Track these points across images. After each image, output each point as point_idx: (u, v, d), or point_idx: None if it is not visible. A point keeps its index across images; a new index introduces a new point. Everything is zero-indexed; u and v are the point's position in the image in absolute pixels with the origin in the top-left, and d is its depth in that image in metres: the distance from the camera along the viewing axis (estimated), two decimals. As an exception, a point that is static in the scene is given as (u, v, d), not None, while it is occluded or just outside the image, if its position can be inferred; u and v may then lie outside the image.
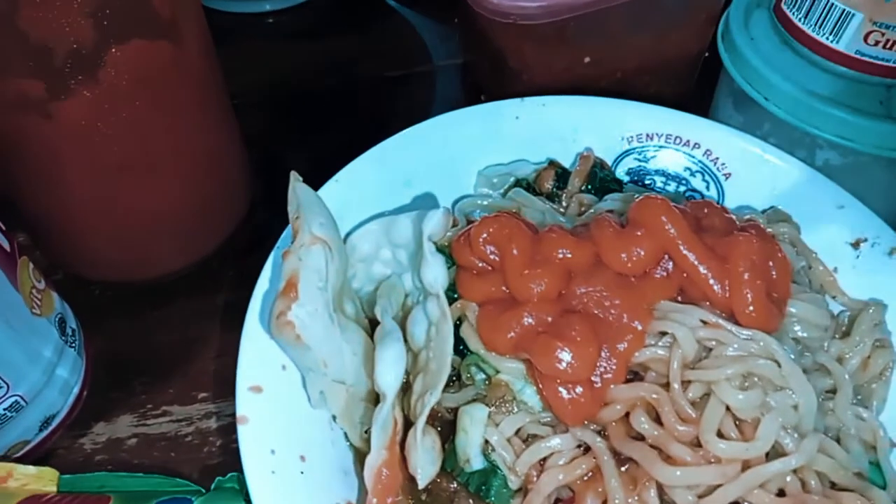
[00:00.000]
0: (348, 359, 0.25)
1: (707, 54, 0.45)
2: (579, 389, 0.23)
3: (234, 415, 0.35)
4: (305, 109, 0.51)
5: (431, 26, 0.57)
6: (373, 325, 0.29)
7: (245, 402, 0.24)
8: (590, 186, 0.32)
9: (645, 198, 0.26)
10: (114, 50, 0.29)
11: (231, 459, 0.33)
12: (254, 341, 0.26)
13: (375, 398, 0.26)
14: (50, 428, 0.33)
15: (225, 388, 0.36)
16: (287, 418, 0.25)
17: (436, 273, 0.25)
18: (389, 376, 0.23)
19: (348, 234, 0.29)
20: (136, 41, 0.30)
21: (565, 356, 0.22)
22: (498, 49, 0.44)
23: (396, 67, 0.53)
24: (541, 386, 0.23)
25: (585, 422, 0.24)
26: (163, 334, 0.38)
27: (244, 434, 0.23)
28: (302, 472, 0.23)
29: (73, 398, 0.34)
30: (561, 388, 0.23)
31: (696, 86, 0.47)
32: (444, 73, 0.53)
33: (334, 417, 0.25)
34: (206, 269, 0.40)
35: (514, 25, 0.39)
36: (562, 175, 0.32)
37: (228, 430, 0.34)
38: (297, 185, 0.27)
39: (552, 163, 0.33)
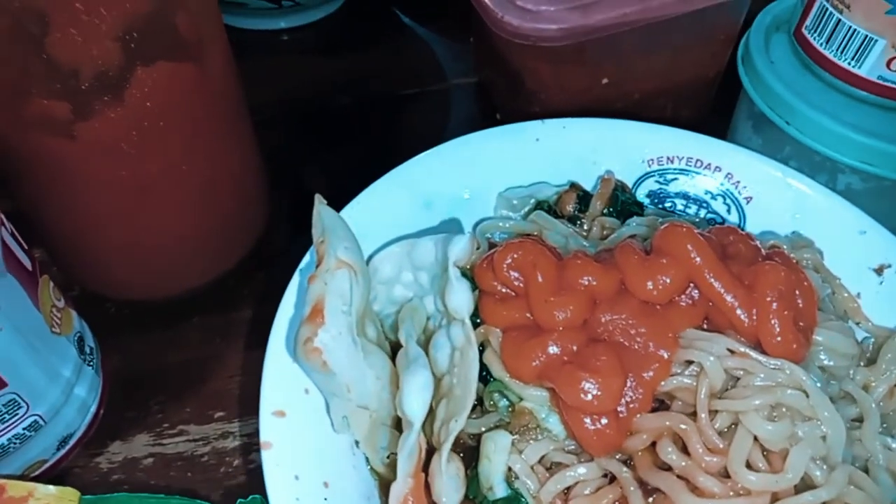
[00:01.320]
0: (371, 383, 0.25)
1: (723, 74, 0.46)
2: (604, 421, 0.23)
3: (250, 434, 0.35)
4: (320, 126, 0.51)
5: (446, 44, 0.58)
6: (393, 347, 0.29)
7: (268, 427, 0.24)
8: (612, 209, 0.32)
9: (670, 225, 0.25)
10: (139, 72, 0.29)
11: (249, 480, 0.33)
12: (277, 365, 0.25)
13: (397, 422, 0.26)
14: (67, 447, 0.33)
15: (241, 407, 0.36)
16: (310, 443, 0.24)
17: (461, 299, 0.25)
18: (416, 404, 0.23)
19: (370, 257, 0.29)
20: (162, 63, 0.30)
21: (590, 388, 0.22)
22: (515, 69, 0.44)
23: (411, 85, 0.54)
24: (565, 415, 0.23)
25: (612, 451, 0.23)
26: (178, 352, 0.38)
27: (268, 460, 0.23)
28: (326, 499, 0.23)
29: (91, 417, 0.34)
30: (586, 419, 0.23)
31: (713, 106, 0.47)
32: (458, 92, 0.54)
33: (357, 443, 0.25)
34: (221, 286, 0.40)
35: (532, 46, 0.39)
36: (583, 197, 0.32)
37: (245, 450, 0.34)
38: (321, 209, 0.27)
39: (573, 185, 0.33)
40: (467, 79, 0.54)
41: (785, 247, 0.29)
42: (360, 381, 0.24)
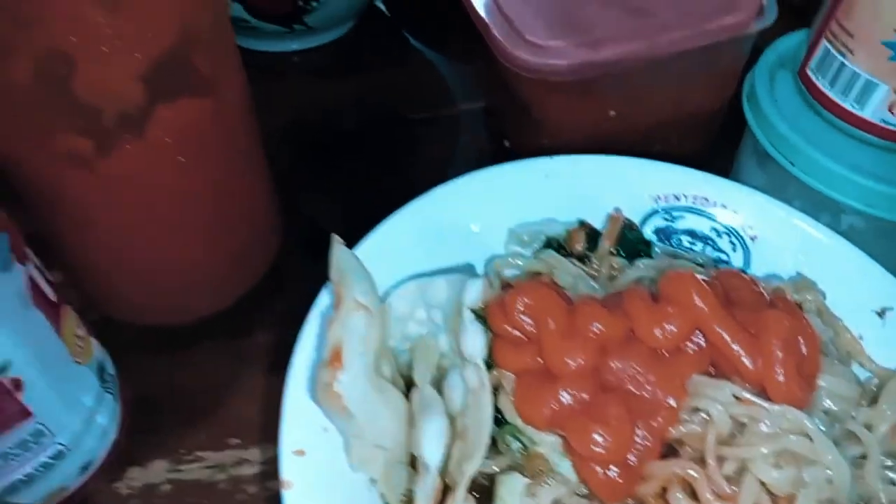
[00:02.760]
0: (387, 423, 0.26)
1: (728, 106, 0.46)
2: (615, 469, 0.23)
3: (265, 462, 0.36)
4: (330, 149, 0.52)
5: (455, 68, 0.59)
6: (407, 382, 0.30)
7: (289, 466, 0.25)
8: (620, 248, 0.32)
9: (675, 274, 0.26)
10: (160, 109, 0.30)
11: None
12: (295, 404, 0.26)
13: (412, 459, 0.27)
14: (87, 473, 0.34)
15: (255, 434, 0.37)
16: (329, 482, 0.25)
17: (475, 343, 0.26)
18: (433, 449, 0.24)
19: (385, 294, 0.30)
20: (181, 100, 0.31)
21: (601, 439, 0.23)
22: (523, 100, 0.45)
23: (420, 109, 0.54)
24: (577, 463, 0.24)
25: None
26: (192, 378, 0.39)
27: (289, 500, 0.24)
28: (344, 537, 0.24)
29: (110, 443, 0.35)
30: (597, 467, 0.23)
31: (717, 136, 0.48)
32: (466, 117, 0.54)
33: (373, 480, 0.26)
34: (234, 312, 0.41)
35: (541, 79, 0.40)
36: (592, 236, 0.33)
37: (260, 478, 0.35)
38: (338, 250, 0.28)
39: (583, 224, 0.34)
40: (475, 104, 0.55)
41: (789, 290, 0.30)
42: (377, 420, 0.25)
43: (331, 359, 0.24)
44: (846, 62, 0.34)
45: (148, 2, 0.27)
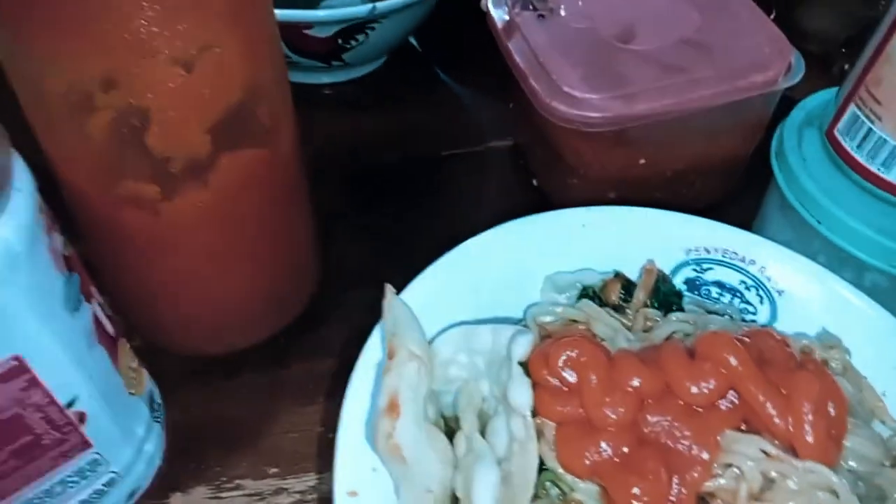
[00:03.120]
0: (435, 467, 0.27)
1: (752, 154, 0.48)
2: (653, 521, 0.25)
3: (302, 492, 0.37)
4: (356, 183, 0.53)
5: (484, 105, 0.60)
6: (446, 422, 0.31)
7: (343, 507, 0.26)
8: (654, 300, 0.34)
9: (713, 334, 0.28)
10: (223, 158, 0.32)
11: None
12: (348, 446, 0.28)
13: (455, 500, 0.28)
14: (134, 499, 0.35)
15: (293, 464, 0.38)
16: (380, 522, 0.27)
17: (523, 396, 0.27)
18: (485, 499, 0.25)
19: (431, 340, 0.32)
20: (243, 150, 0.33)
21: (639, 492, 0.25)
22: (555, 145, 0.47)
23: (449, 145, 0.56)
24: (615, 511, 0.25)
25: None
26: (233, 407, 0.41)
27: (345, 540, 0.25)
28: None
29: (156, 470, 0.36)
30: (635, 518, 0.25)
31: (739, 182, 0.50)
32: (494, 154, 0.56)
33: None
34: (274, 343, 0.43)
35: (575, 129, 0.42)
36: (627, 287, 0.35)
37: (299, 507, 0.37)
38: (392, 300, 0.29)
39: (618, 275, 0.35)
40: (503, 141, 0.56)
41: (816, 349, 0.31)
42: (426, 465, 0.27)
43: (388, 408, 0.26)
44: (874, 128, 0.35)
45: (221, 63, 0.29)
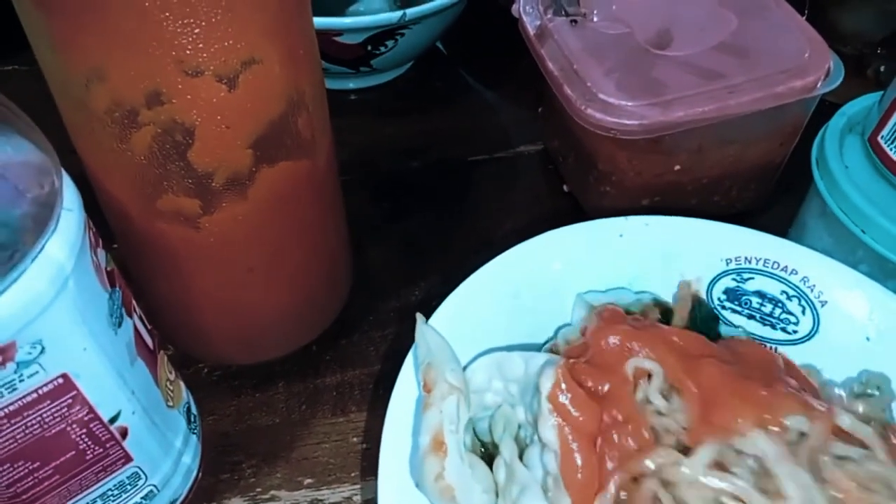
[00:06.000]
0: (478, 497, 0.27)
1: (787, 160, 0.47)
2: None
3: (337, 503, 0.37)
4: (382, 188, 0.53)
5: (511, 109, 0.60)
6: (483, 447, 0.31)
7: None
8: (692, 327, 0.33)
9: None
10: (263, 172, 0.32)
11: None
12: (389, 484, 0.27)
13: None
14: (172, 511, 0.35)
15: (328, 475, 0.38)
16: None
17: (552, 432, 0.27)
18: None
19: (464, 367, 0.31)
20: (283, 163, 0.33)
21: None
22: (589, 151, 0.46)
23: (476, 150, 0.56)
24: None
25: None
26: (265, 417, 0.41)
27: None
28: None
29: (192, 481, 0.36)
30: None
31: (773, 190, 0.49)
32: (523, 159, 0.56)
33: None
34: (305, 352, 0.43)
35: (610, 136, 0.41)
36: (664, 312, 0.34)
37: (334, 519, 0.36)
38: (423, 329, 0.29)
39: (657, 302, 0.35)
40: (533, 146, 0.56)
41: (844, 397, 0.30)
42: (470, 496, 0.26)
43: (433, 445, 0.25)
44: (920, 135, 0.34)
45: (264, 77, 0.29)
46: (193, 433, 0.36)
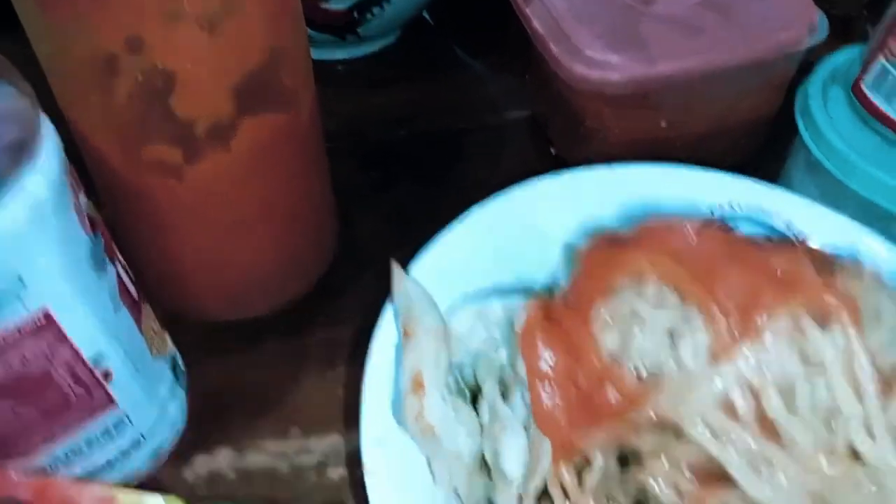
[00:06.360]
0: (464, 439, 0.27)
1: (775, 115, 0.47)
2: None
3: (325, 453, 0.37)
4: (371, 157, 0.53)
5: (499, 78, 0.60)
6: (469, 389, 0.31)
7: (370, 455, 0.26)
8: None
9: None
10: (246, 122, 0.32)
11: (328, 496, 0.36)
12: (374, 399, 0.28)
13: (487, 471, 0.28)
14: (158, 460, 0.36)
15: (314, 426, 0.38)
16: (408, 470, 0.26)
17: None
18: (515, 465, 0.25)
19: (445, 314, 0.31)
20: (265, 115, 0.33)
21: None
22: (575, 110, 0.46)
23: (464, 119, 0.55)
24: None
25: None
26: (254, 373, 0.41)
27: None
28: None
29: (179, 432, 0.37)
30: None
31: (763, 143, 0.49)
32: (512, 126, 0.55)
33: (456, 492, 0.27)
34: (292, 310, 0.43)
35: (597, 92, 0.41)
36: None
37: (321, 467, 0.37)
38: (401, 279, 0.29)
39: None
40: (520, 112, 0.56)
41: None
42: (455, 437, 0.27)
43: (413, 387, 0.26)
44: (901, 80, 0.34)
45: (244, 24, 0.29)
46: (179, 385, 0.37)
